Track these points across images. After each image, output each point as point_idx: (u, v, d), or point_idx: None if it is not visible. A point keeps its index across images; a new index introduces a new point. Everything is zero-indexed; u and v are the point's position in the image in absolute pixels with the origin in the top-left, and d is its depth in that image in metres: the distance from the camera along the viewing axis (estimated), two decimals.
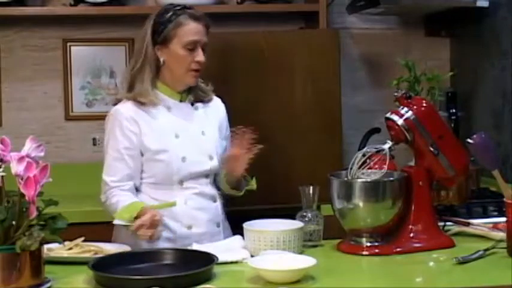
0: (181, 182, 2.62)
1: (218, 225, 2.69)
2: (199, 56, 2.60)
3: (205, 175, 2.67)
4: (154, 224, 2.43)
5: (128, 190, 2.60)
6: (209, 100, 2.74)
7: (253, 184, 2.73)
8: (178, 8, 2.62)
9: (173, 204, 2.61)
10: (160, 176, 2.61)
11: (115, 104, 2.67)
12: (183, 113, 2.66)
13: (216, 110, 2.76)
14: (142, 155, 2.60)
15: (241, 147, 2.60)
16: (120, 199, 2.56)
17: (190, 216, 2.62)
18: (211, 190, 2.69)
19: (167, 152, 2.59)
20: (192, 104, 2.70)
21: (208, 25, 2.64)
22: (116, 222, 2.51)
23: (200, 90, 2.71)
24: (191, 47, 2.59)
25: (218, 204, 2.70)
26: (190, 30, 2.59)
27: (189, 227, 2.61)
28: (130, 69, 2.65)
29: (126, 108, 2.61)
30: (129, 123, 2.58)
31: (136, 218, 2.44)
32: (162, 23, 2.60)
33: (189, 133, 2.64)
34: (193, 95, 2.69)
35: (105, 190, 2.61)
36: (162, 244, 2.53)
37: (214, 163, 2.67)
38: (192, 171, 2.63)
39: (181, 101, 2.67)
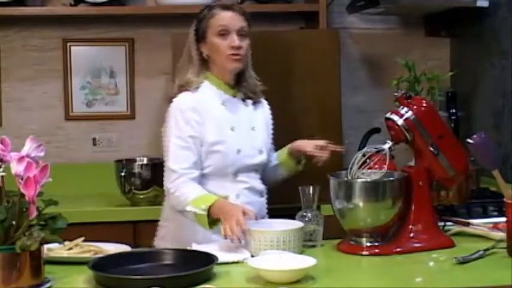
0: (235, 174, 2.70)
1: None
2: (234, 41, 2.67)
3: (255, 169, 2.76)
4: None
5: (195, 179, 2.63)
6: (258, 101, 2.84)
7: (304, 159, 2.83)
8: (213, 4, 2.78)
9: (226, 198, 2.63)
10: (216, 167, 2.67)
11: (171, 102, 2.74)
12: (236, 108, 2.75)
13: (262, 109, 2.86)
14: (202, 145, 2.67)
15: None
16: (192, 190, 2.59)
17: None
18: (259, 185, 2.77)
19: (224, 144, 2.67)
20: (243, 101, 2.79)
21: (243, 12, 2.74)
22: (189, 208, 2.53)
23: (249, 90, 2.79)
24: (223, 33, 2.69)
25: (264, 200, 2.78)
26: (220, 18, 2.71)
27: None
28: (178, 69, 2.79)
29: (187, 99, 2.69)
30: (191, 113, 2.66)
31: (210, 208, 2.48)
32: (199, 20, 2.75)
33: (241, 127, 2.73)
34: (243, 93, 2.79)
35: (173, 179, 2.61)
36: (214, 237, 2.53)
37: (263, 157, 2.77)
38: (246, 163, 2.71)
39: (233, 96, 2.76)
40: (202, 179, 2.66)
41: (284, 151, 2.84)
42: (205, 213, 2.49)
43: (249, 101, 2.79)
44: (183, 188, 2.59)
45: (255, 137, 2.76)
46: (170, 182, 2.62)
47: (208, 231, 2.54)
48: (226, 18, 2.70)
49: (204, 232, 2.56)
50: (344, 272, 2.24)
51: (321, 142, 2.75)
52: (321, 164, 2.75)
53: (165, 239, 2.74)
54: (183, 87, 2.70)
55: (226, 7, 2.73)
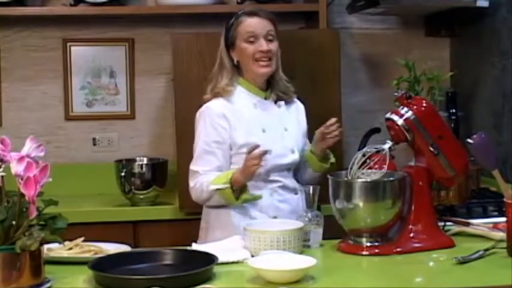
0: (267, 174, 2.76)
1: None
2: (262, 46, 2.76)
3: (288, 168, 2.83)
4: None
5: None
6: (291, 101, 2.91)
7: (333, 158, 2.88)
8: (240, 12, 2.86)
9: (259, 197, 2.73)
10: None
11: (201, 106, 2.84)
12: (268, 110, 2.84)
13: (295, 108, 2.93)
14: (231, 149, 2.75)
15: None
16: (211, 176, 2.71)
17: (275, 208, 2.76)
18: (292, 183, 2.83)
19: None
20: (275, 102, 2.86)
21: (268, 16, 2.82)
22: (212, 187, 2.67)
23: (281, 91, 2.87)
24: (252, 40, 2.77)
25: (299, 197, 2.81)
26: (248, 24, 2.80)
27: (274, 218, 2.70)
28: (212, 75, 2.86)
29: (217, 105, 2.78)
30: (219, 119, 2.76)
31: (230, 180, 2.63)
32: (228, 28, 2.84)
33: (273, 128, 2.81)
34: (275, 95, 2.86)
35: (194, 177, 2.76)
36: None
37: (295, 156, 2.83)
38: (277, 163, 2.77)
39: (265, 98, 2.83)
40: None
41: (308, 148, 2.90)
42: (228, 185, 2.62)
43: (281, 103, 2.87)
44: (202, 178, 2.72)
45: (287, 137, 2.82)
46: (192, 181, 2.76)
47: (238, 225, 2.60)
48: (253, 24, 2.79)
49: (233, 228, 2.64)
50: (344, 272, 2.24)
51: (328, 122, 2.79)
52: (336, 139, 2.79)
53: (202, 239, 2.81)
54: (218, 94, 2.79)
55: (251, 13, 2.82)
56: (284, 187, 2.79)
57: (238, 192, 2.66)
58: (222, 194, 2.66)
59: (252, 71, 2.80)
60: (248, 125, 2.77)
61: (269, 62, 2.78)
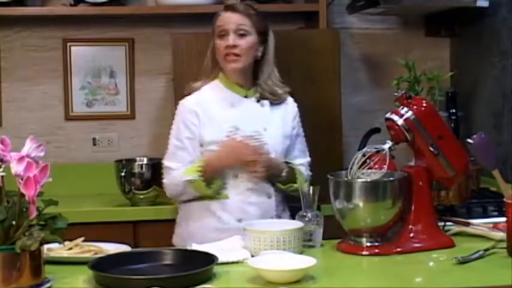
0: (235, 175, 2.70)
1: None
2: (228, 41, 2.68)
3: None
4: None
5: None
6: (280, 102, 2.81)
7: (294, 184, 2.74)
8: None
9: (225, 197, 2.70)
10: None
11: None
12: (246, 109, 2.75)
13: (284, 109, 2.83)
14: (201, 145, 2.72)
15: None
16: (184, 168, 2.70)
17: (241, 210, 2.70)
18: (265, 186, 2.74)
19: (221, 144, 2.68)
20: (258, 101, 2.77)
21: (244, 10, 2.72)
22: (184, 178, 2.67)
23: (268, 92, 2.78)
24: (222, 34, 2.70)
25: (273, 201, 2.75)
26: (220, 19, 2.74)
27: (239, 220, 2.66)
28: (199, 73, 2.86)
29: (189, 102, 2.77)
30: (190, 115, 2.73)
31: (201, 170, 2.64)
32: (212, 26, 2.77)
33: (249, 128, 2.72)
34: (260, 94, 2.78)
35: (168, 174, 2.76)
36: (211, 234, 2.57)
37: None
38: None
39: (246, 96, 2.76)
40: None
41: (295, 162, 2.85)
42: (199, 175, 2.62)
43: (265, 102, 2.78)
44: (175, 173, 2.71)
45: (265, 139, 2.72)
46: (166, 178, 2.75)
47: (207, 223, 2.66)
48: (224, 18, 2.72)
49: (204, 224, 2.66)
50: (344, 272, 2.24)
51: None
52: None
53: (179, 236, 2.81)
54: (188, 92, 2.79)
55: (227, 7, 2.75)
56: (254, 189, 2.71)
57: (210, 181, 2.64)
58: (194, 185, 2.65)
59: (224, 67, 2.74)
60: (218, 123, 2.71)
61: (236, 58, 2.68)
